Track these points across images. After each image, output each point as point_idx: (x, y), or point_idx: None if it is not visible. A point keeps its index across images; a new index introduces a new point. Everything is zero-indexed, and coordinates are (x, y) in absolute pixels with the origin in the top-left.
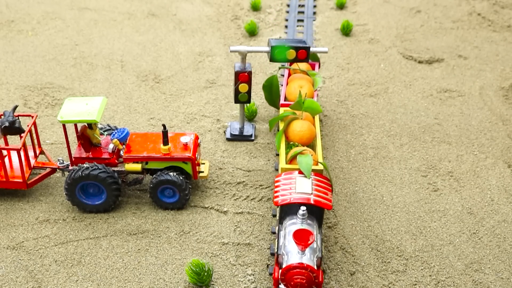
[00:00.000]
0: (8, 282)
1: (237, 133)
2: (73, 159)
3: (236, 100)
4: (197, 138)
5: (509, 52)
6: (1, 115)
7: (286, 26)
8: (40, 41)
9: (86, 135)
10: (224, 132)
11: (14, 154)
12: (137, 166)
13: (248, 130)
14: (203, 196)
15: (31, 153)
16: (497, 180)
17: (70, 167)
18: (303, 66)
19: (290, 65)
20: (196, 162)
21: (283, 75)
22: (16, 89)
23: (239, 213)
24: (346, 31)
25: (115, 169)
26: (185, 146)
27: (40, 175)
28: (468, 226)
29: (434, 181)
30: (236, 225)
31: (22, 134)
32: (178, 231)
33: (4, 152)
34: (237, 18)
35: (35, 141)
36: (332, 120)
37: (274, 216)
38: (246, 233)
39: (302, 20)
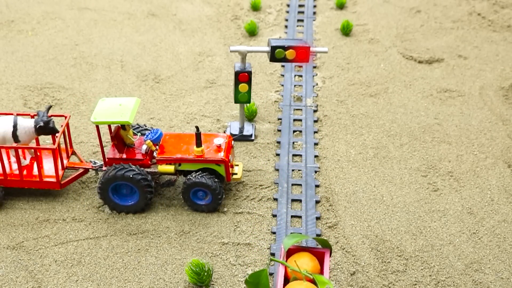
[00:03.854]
0: (8, 282)
1: (237, 133)
2: (106, 159)
3: (236, 100)
4: (230, 139)
5: (509, 52)
6: (35, 115)
7: (286, 26)
8: (40, 41)
9: (119, 135)
10: (224, 132)
11: (43, 155)
12: (170, 168)
13: (248, 130)
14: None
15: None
16: (497, 180)
17: (104, 168)
18: (309, 265)
19: (287, 259)
20: (229, 164)
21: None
22: (16, 89)
23: (239, 213)
24: (346, 31)
25: (148, 170)
26: (219, 147)
27: (73, 176)
28: (468, 226)
29: (434, 181)
30: (236, 225)
31: (55, 134)
32: (178, 231)
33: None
34: (237, 18)
35: (67, 141)
36: (332, 120)
37: (274, 216)
38: (246, 233)
39: (302, 20)
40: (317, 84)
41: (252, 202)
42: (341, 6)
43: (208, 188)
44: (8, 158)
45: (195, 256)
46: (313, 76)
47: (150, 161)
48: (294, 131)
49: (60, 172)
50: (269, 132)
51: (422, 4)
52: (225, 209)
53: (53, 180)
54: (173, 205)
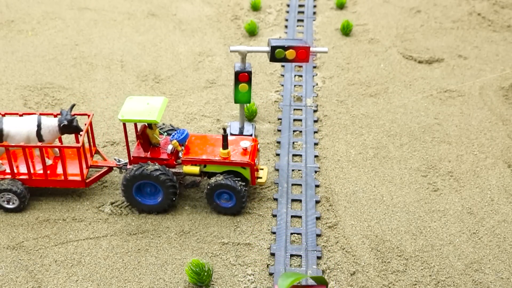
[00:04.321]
0: (8, 282)
1: (237, 133)
2: (131, 158)
3: (236, 100)
4: (256, 143)
5: (509, 52)
6: (59, 114)
7: (286, 26)
8: (40, 41)
9: (145, 134)
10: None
11: (66, 154)
12: (195, 169)
13: (248, 130)
14: (203, 196)
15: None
16: (497, 180)
17: (128, 166)
18: None
19: None
20: (255, 167)
21: None
22: (16, 89)
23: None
24: (346, 31)
25: (173, 170)
26: (245, 150)
27: (98, 174)
28: (468, 226)
29: (434, 181)
30: (236, 225)
31: (79, 133)
32: (178, 231)
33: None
34: (237, 18)
35: (91, 140)
36: (332, 120)
37: (274, 216)
38: (246, 233)
39: (302, 20)
40: (317, 84)
41: (252, 202)
42: (341, 6)
43: (233, 191)
44: (32, 158)
45: (195, 256)
46: (313, 76)
47: (175, 161)
48: (294, 131)
49: (85, 171)
50: (269, 132)
51: (422, 4)
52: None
53: (78, 179)
54: (173, 205)
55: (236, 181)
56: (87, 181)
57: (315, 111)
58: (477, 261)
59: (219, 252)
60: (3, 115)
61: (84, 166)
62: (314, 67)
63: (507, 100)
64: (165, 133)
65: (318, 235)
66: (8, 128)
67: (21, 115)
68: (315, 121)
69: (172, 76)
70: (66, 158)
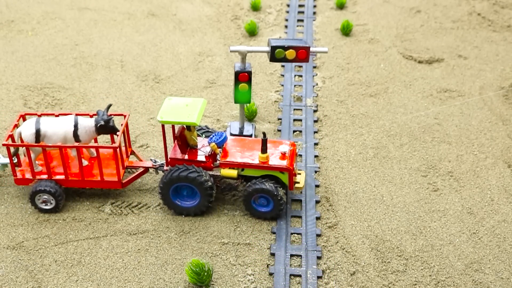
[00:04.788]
0: (8, 282)
1: (237, 133)
2: (169, 159)
3: (236, 100)
4: (295, 147)
5: (509, 52)
6: (95, 114)
7: (286, 26)
8: (40, 41)
9: (183, 136)
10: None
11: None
12: (233, 172)
13: (248, 130)
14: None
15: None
16: (497, 180)
17: (165, 168)
18: None
19: None
20: (293, 172)
21: None
22: (16, 89)
23: (239, 213)
24: (346, 31)
25: (210, 173)
26: (283, 155)
27: (134, 175)
28: (468, 226)
29: (434, 181)
30: (236, 225)
31: (115, 133)
32: (178, 231)
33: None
34: (237, 18)
35: (126, 140)
36: (332, 120)
37: None
38: (246, 233)
39: (302, 20)
40: (317, 84)
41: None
42: (341, 6)
43: (271, 196)
44: (67, 158)
45: (195, 256)
46: (313, 76)
47: (212, 164)
48: (294, 131)
49: (121, 172)
50: (269, 132)
51: (422, 4)
52: (225, 209)
53: (115, 179)
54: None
55: (275, 186)
56: (123, 182)
57: (315, 111)
58: (477, 261)
59: (219, 252)
60: (39, 116)
61: (120, 167)
62: (314, 67)
63: (507, 100)
64: (203, 135)
65: (318, 235)
66: (45, 129)
67: (57, 116)
68: (315, 121)
69: (172, 76)
70: (102, 158)
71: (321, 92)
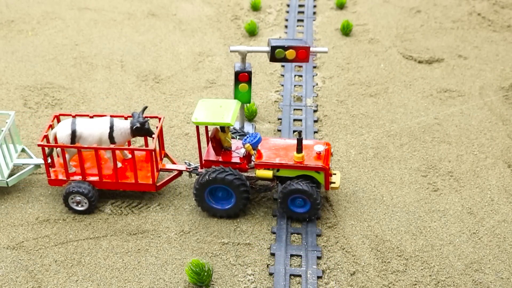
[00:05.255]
0: (8, 282)
1: None
2: (203, 161)
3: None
4: (329, 147)
5: (509, 52)
6: (130, 116)
7: (286, 26)
8: (40, 41)
9: (217, 137)
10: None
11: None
12: (269, 173)
13: (248, 130)
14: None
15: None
16: (497, 180)
17: (200, 170)
18: None
19: None
20: (329, 172)
21: None
22: (16, 89)
23: (239, 213)
24: (346, 31)
25: (244, 174)
26: (318, 155)
27: (168, 178)
28: (468, 226)
29: (434, 181)
30: (236, 225)
31: (150, 136)
32: (178, 231)
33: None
34: (237, 18)
35: (160, 143)
36: (332, 120)
37: (274, 216)
38: (246, 233)
39: (302, 20)
40: (317, 84)
41: (252, 202)
42: (341, 6)
43: (309, 196)
44: (101, 160)
45: (195, 256)
46: (313, 76)
47: (247, 165)
48: (294, 131)
49: (155, 174)
50: (269, 132)
51: (422, 4)
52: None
53: (149, 182)
54: (173, 205)
55: (313, 187)
56: (158, 184)
57: (315, 111)
58: (477, 261)
59: (219, 252)
60: (74, 117)
61: (154, 169)
62: (314, 67)
63: (507, 100)
64: (237, 137)
65: (318, 235)
66: (81, 130)
67: (91, 117)
68: (315, 121)
69: (172, 76)
70: (136, 161)
71: (321, 92)
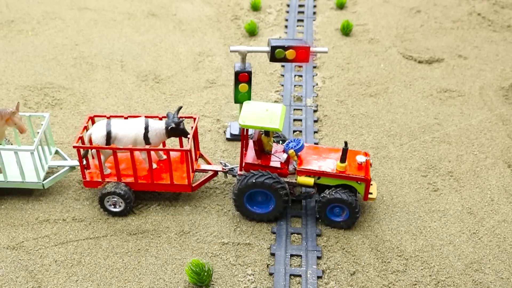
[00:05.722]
0: (8, 282)
1: (237, 133)
2: (244, 164)
3: (236, 100)
4: (368, 157)
5: (509, 52)
6: (164, 117)
7: (286, 26)
8: (40, 41)
9: (260, 141)
10: (224, 132)
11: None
12: (310, 180)
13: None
14: (203, 196)
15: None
16: (497, 180)
17: (239, 172)
18: None
19: None
20: (370, 183)
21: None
22: (16, 89)
23: (240, 213)
24: (346, 31)
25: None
26: (360, 165)
27: (203, 178)
28: (468, 226)
29: (434, 181)
30: (236, 225)
31: (186, 136)
32: (178, 231)
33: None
34: (237, 18)
35: (195, 143)
36: (332, 120)
37: None
38: (246, 233)
39: (302, 20)
40: (317, 84)
41: None
42: (341, 6)
43: (348, 206)
44: (135, 161)
45: (195, 256)
46: (313, 76)
47: (288, 171)
48: (294, 131)
49: (191, 175)
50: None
51: (422, 4)
52: (225, 209)
53: (185, 183)
54: (173, 205)
55: (352, 197)
56: (194, 185)
57: (315, 111)
58: (477, 261)
59: (219, 252)
60: (108, 118)
61: (190, 170)
62: (314, 67)
63: (507, 100)
64: (280, 141)
65: (318, 235)
66: (116, 131)
67: (126, 118)
68: (315, 121)
69: (172, 76)
70: (172, 161)
71: (321, 92)
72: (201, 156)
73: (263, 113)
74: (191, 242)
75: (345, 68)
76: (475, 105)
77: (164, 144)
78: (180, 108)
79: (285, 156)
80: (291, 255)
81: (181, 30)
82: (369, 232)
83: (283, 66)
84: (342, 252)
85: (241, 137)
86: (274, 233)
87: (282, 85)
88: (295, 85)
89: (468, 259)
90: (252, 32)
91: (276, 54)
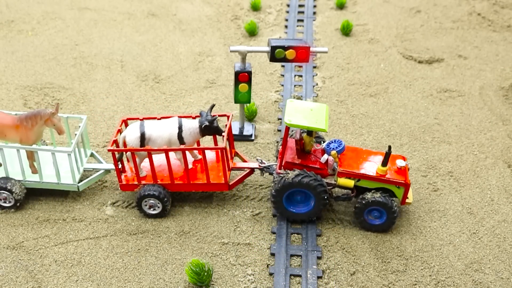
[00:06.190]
0: (8, 282)
1: (237, 133)
2: (284, 163)
3: (236, 100)
4: (406, 160)
5: (509, 52)
6: (197, 116)
7: (286, 26)
8: (40, 41)
9: (301, 140)
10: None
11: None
12: (350, 182)
13: (248, 130)
14: (203, 196)
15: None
16: (497, 180)
17: (278, 171)
18: None
19: None
20: (409, 188)
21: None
22: (16, 89)
23: (239, 213)
24: (346, 31)
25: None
26: (399, 170)
27: (240, 177)
28: (468, 226)
29: (434, 181)
30: (236, 225)
31: (220, 135)
32: (178, 231)
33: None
34: (237, 18)
35: (230, 141)
36: (332, 120)
37: (274, 216)
38: (246, 233)
39: (302, 20)
40: (317, 84)
41: (252, 202)
42: (341, 6)
43: (387, 209)
44: (169, 162)
45: (195, 256)
46: (313, 76)
47: (328, 172)
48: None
49: (227, 173)
50: (269, 132)
51: (422, 4)
52: (225, 209)
53: (221, 182)
54: (173, 205)
55: (392, 200)
56: (230, 184)
57: None
58: (477, 261)
59: (219, 252)
60: (141, 120)
61: (226, 169)
62: (314, 67)
63: (507, 100)
64: (322, 142)
65: (318, 235)
66: (150, 132)
67: (159, 119)
68: None
69: (172, 76)
70: (208, 161)
71: (321, 92)
72: (236, 154)
73: (308, 112)
74: (191, 242)
75: (345, 68)
76: (475, 105)
77: (198, 144)
78: (213, 106)
79: (326, 156)
80: (291, 255)
81: (181, 30)
82: (369, 232)
83: (283, 66)
84: (342, 252)
85: (285, 136)
86: (274, 233)
87: (282, 85)
88: (295, 85)
89: (468, 259)
90: (252, 32)
91: (276, 54)
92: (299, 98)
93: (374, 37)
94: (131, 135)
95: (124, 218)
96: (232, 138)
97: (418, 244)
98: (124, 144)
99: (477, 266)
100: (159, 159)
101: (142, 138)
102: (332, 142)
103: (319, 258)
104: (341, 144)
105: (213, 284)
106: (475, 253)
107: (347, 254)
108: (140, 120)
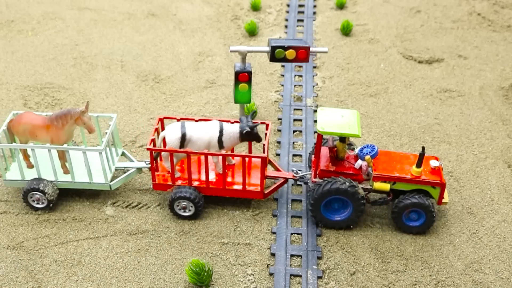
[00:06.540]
0: (8, 282)
1: None
2: (319, 171)
3: (236, 100)
4: (438, 160)
5: (509, 52)
6: (236, 121)
7: (286, 26)
8: (40, 41)
9: (334, 148)
10: None
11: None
12: (386, 186)
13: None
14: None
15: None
16: (497, 180)
17: (314, 179)
18: None
19: None
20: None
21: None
22: (16, 89)
23: (239, 213)
24: (346, 31)
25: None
26: (433, 170)
27: (275, 185)
28: (468, 226)
29: None
30: (236, 225)
31: (257, 141)
32: (178, 231)
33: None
34: (237, 18)
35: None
36: None
37: (274, 216)
38: (246, 233)
39: (302, 20)
40: (317, 84)
41: (252, 202)
42: (341, 6)
43: (426, 210)
44: (207, 166)
45: (195, 256)
46: (313, 76)
47: (363, 177)
48: (294, 131)
49: (263, 182)
50: (269, 132)
51: (422, 4)
52: (226, 209)
53: (257, 190)
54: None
55: (428, 199)
56: (266, 192)
57: (315, 111)
58: (477, 261)
59: (219, 252)
60: (178, 120)
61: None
62: (314, 67)
63: (507, 100)
64: (355, 148)
65: (318, 235)
66: (191, 133)
67: (196, 121)
68: (315, 121)
69: (172, 76)
70: (242, 167)
71: (321, 92)
72: (270, 162)
73: (340, 119)
74: (191, 242)
75: (345, 68)
76: (475, 105)
77: (232, 150)
78: (254, 112)
79: (360, 162)
80: (291, 255)
81: (181, 30)
82: (369, 232)
83: (283, 66)
84: (342, 252)
85: (317, 143)
86: (274, 233)
87: (282, 85)
88: (295, 85)
89: (468, 259)
90: (252, 32)
91: (276, 54)
92: (299, 98)
93: (374, 37)
94: (171, 135)
95: (124, 218)
96: (268, 146)
97: (418, 244)
98: (163, 143)
99: (477, 266)
100: (195, 160)
101: (183, 138)
102: (365, 147)
103: (319, 258)
104: (374, 149)
105: (213, 284)
106: (475, 253)
107: (347, 254)
108: (178, 120)
